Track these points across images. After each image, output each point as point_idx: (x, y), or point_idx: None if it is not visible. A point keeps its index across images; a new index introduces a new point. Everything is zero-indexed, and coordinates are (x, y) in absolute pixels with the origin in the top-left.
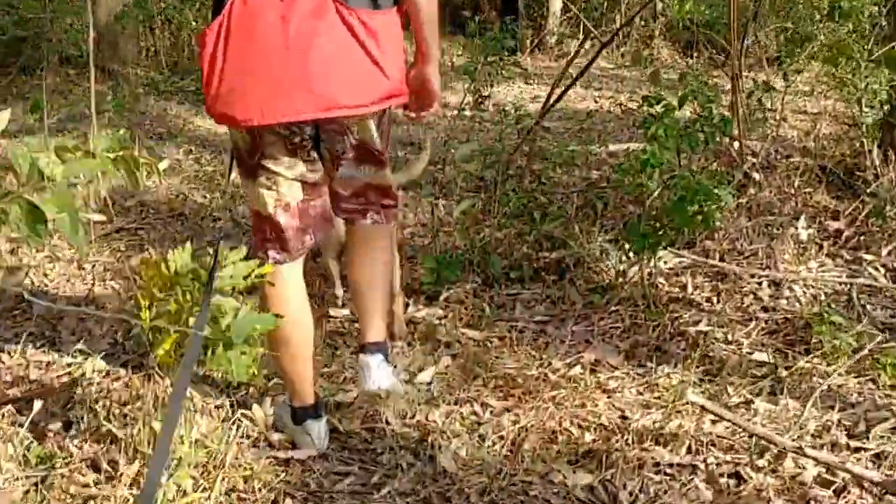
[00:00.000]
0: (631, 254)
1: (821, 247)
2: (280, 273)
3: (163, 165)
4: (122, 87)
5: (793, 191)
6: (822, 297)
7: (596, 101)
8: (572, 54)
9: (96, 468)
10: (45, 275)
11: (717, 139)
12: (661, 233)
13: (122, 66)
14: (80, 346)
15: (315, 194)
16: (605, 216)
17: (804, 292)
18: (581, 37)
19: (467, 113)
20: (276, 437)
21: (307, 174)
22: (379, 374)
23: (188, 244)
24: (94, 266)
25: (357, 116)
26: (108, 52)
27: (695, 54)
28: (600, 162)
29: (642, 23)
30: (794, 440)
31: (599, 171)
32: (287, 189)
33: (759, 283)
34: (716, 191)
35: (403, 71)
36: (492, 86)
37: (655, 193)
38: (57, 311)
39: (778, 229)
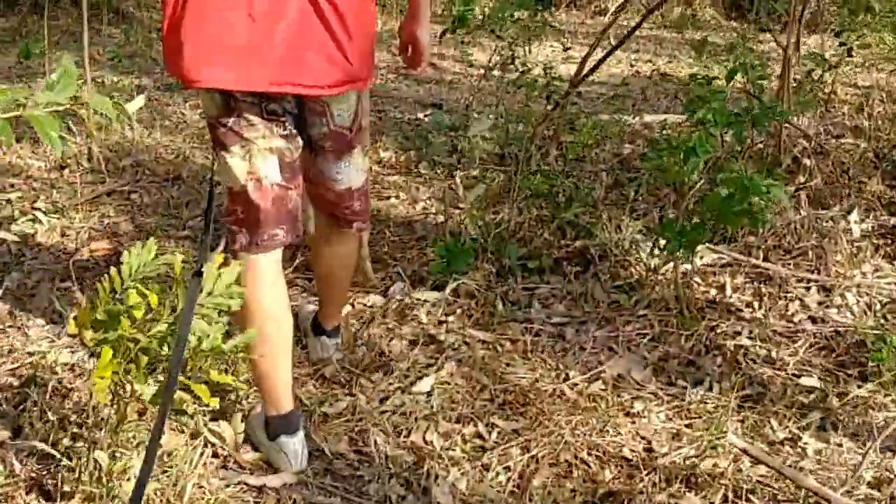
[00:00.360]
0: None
1: (877, 247)
2: (255, 263)
3: (135, 105)
4: (136, 31)
5: (846, 179)
6: (878, 307)
7: (632, 66)
8: (611, 14)
9: (41, 490)
10: (25, 241)
11: (767, 125)
12: (700, 230)
13: (137, 9)
14: (48, 329)
15: (293, 182)
16: (636, 200)
17: (857, 301)
18: None
19: (496, 73)
20: (248, 456)
21: (284, 150)
22: (333, 351)
23: (151, 240)
24: (78, 233)
25: (324, 95)
26: None
27: (738, 15)
28: (634, 134)
29: None
30: (848, 492)
31: (633, 144)
32: (261, 162)
33: (807, 288)
34: (768, 188)
35: (369, 55)
36: (528, 44)
37: (697, 185)
38: (31, 285)
39: (828, 223)
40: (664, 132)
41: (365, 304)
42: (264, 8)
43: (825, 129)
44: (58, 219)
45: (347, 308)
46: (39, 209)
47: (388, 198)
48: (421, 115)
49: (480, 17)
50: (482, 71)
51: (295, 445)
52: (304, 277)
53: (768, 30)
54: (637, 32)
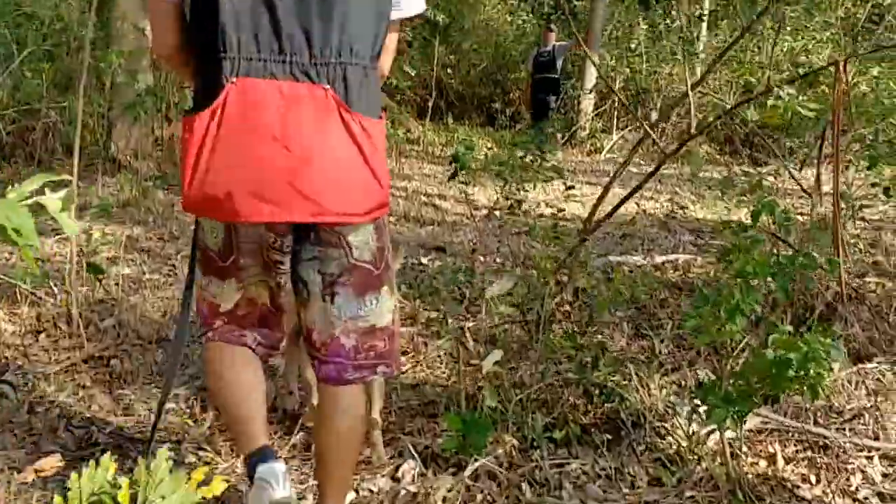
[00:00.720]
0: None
1: None
2: (221, 346)
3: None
4: (132, 181)
5: (885, 325)
6: None
7: (637, 205)
8: (606, 151)
9: None
10: None
11: (812, 278)
12: (750, 397)
13: (134, 158)
14: None
15: (281, 313)
16: (663, 353)
17: None
18: (619, 134)
19: (497, 213)
20: None
21: (275, 289)
22: None
23: (106, 458)
24: (47, 409)
25: (350, 224)
26: (120, 142)
27: (732, 151)
28: (646, 275)
29: (678, 118)
30: None
31: (647, 287)
32: (256, 289)
33: (869, 458)
34: (827, 351)
35: (389, 180)
36: (530, 189)
37: (741, 346)
38: None
39: (876, 378)
40: (679, 273)
41: (371, 490)
42: (300, 139)
43: (846, 268)
44: (26, 393)
45: (351, 496)
46: (6, 381)
47: None
48: (424, 260)
49: (482, 158)
50: (485, 211)
51: (274, 470)
52: (303, 458)
53: (763, 164)
54: (635, 169)
